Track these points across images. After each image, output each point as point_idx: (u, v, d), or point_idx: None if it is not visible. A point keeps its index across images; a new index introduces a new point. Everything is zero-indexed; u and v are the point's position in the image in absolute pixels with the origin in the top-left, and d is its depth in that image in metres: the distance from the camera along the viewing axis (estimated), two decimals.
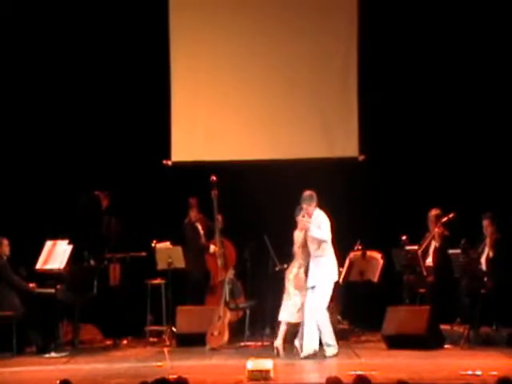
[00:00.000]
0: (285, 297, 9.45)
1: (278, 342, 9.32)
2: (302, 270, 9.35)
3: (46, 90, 11.64)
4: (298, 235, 9.48)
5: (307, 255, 9.35)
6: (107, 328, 10.60)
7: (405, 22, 11.47)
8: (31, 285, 9.97)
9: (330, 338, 9.22)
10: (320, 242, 9.24)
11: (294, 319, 9.35)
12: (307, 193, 9.33)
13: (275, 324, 10.82)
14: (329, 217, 10.93)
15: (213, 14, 11.83)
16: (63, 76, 11.62)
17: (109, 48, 11.63)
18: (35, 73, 11.62)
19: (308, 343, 9.11)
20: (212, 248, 10.87)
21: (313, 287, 9.22)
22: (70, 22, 11.61)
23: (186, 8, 11.87)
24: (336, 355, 9.17)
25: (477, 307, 9.83)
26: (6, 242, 10.09)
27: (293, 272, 9.43)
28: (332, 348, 9.22)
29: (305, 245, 9.36)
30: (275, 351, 9.28)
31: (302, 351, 9.14)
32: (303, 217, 9.31)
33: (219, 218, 10.72)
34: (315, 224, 9.25)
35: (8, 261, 10.04)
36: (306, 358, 9.05)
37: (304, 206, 9.31)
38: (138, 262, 10.69)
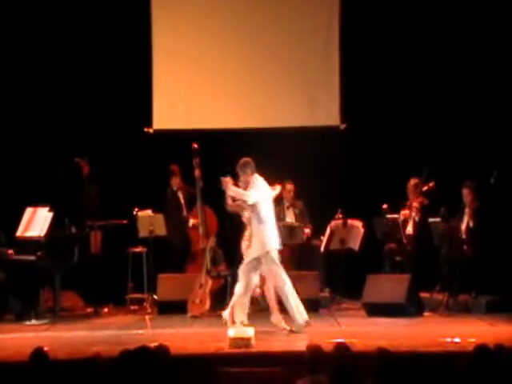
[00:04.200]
0: None
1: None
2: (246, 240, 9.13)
3: (26, 58, 11.52)
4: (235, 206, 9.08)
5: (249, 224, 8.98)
6: (88, 296, 10.56)
7: None
8: (9, 251, 9.92)
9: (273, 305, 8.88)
10: (251, 208, 8.76)
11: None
12: (241, 160, 8.90)
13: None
14: (310, 185, 11.04)
15: None
16: (43, 46, 11.50)
17: (91, 18, 11.50)
18: (18, 43, 11.50)
19: (295, 316, 8.77)
20: (191, 222, 10.87)
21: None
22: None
23: None
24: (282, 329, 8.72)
25: (456, 275, 9.93)
26: None
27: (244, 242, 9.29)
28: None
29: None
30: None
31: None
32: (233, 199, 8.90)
33: (198, 173, 10.59)
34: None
35: None
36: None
37: (240, 173, 8.89)
38: (120, 230, 10.66)
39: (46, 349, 5.78)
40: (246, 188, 8.86)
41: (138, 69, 11.54)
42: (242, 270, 8.90)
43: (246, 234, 9.23)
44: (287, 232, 10.73)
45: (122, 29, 11.47)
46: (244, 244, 9.36)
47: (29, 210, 10.10)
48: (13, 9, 11.45)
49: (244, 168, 8.88)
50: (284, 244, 10.78)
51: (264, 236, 8.80)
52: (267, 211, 8.86)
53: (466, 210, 10.22)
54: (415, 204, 10.48)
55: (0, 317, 9.85)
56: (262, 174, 10.96)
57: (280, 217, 10.97)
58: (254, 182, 8.87)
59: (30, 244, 9.90)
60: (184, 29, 11.74)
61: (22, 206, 10.18)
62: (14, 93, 11.54)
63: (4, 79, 11.52)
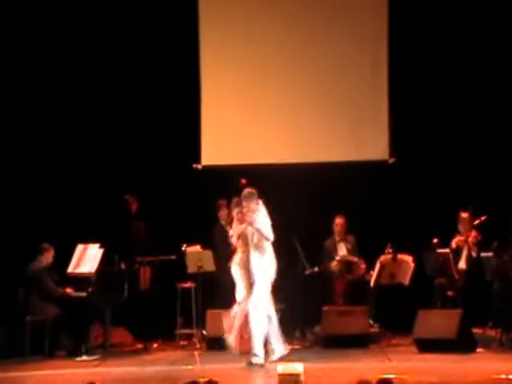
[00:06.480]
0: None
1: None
2: (242, 264, 9.34)
3: (79, 94, 11.72)
4: (236, 228, 9.40)
5: (247, 247, 9.27)
6: (138, 331, 10.64)
7: (436, 22, 11.42)
8: (68, 290, 10.03)
9: (275, 338, 9.07)
10: (262, 238, 9.11)
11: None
12: (246, 190, 9.18)
13: (305, 327, 10.84)
14: (359, 220, 11.00)
15: (241, 18, 11.87)
16: (93, 80, 11.70)
17: (139, 52, 11.71)
18: (68, 77, 11.71)
19: (255, 346, 8.97)
20: None
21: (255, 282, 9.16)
22: (97, 27, 11.70)
23: (215, 13, 11.92)
24: (285, 356, 8.93)
25: (509, 310, 9.74)
26: (52, 250, 10.18)
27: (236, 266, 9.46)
28: (279, 350, 9.04)
29: (244, 237, 9.26)
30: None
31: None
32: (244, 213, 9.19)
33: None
34: (259, 219, 9.13)
35: (47, 269, 10.11)
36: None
37: (244, 204, 9.16)
38: (168, 266, 10.71)
39: None
40: (252, 216, 9.12)
41: (187, 107, 11.67)
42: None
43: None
44: (345, 266, 10.70)
45: (170, 66, 11.62)
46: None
47: (80, 247, 10.23)
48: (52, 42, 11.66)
49: (251, 198, 9.12)
50: (340, 278, 10.77)
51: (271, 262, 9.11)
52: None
53: None
54: (471, 239, 10.35)
55: (51, 353, 9.95)
56: (310, 209, 10.99)
57: (333, 251, 10.96)
58: (264, 217, 9.11)
59: (80, 280, 10.00)
60: (231, 65, 11.85)
61: (72, 243, 10.30)
62: (64, 129, 11.71)
63: (57, 120, 11.71)
